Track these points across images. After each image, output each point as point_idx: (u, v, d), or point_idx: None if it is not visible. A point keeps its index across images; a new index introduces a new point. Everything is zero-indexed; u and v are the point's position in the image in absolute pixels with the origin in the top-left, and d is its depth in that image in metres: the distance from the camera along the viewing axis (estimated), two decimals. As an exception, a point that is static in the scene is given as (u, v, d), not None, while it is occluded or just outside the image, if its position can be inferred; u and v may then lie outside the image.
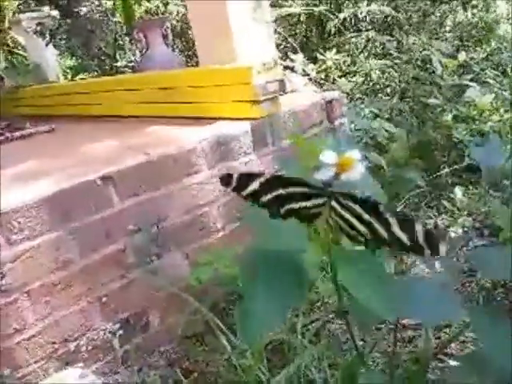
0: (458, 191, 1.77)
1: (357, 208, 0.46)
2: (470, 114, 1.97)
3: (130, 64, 3.24)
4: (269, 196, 0.51)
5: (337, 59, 1.78)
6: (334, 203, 0.49)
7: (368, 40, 2.51)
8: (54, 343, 1.03)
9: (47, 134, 1.82)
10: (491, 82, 2.14)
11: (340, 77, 1.82)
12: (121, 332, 1.11)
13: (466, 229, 1.64)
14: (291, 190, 0.50)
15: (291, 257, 0.38)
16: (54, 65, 3.33)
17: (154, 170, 1.13)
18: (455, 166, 1.81)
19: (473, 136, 2.00)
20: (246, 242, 1.27)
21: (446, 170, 1.78)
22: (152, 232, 1.13)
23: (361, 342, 1.08)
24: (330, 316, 1.22)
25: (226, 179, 0.52)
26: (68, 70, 4.01)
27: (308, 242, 0.36)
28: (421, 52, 1.94)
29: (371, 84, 2.05)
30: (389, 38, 2.05)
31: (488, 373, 0.41)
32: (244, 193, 0.51)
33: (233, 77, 1.34)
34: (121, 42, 3.55)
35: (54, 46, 3.63)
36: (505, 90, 2.16)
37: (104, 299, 1.08)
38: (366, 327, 0.45)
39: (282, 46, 2.48)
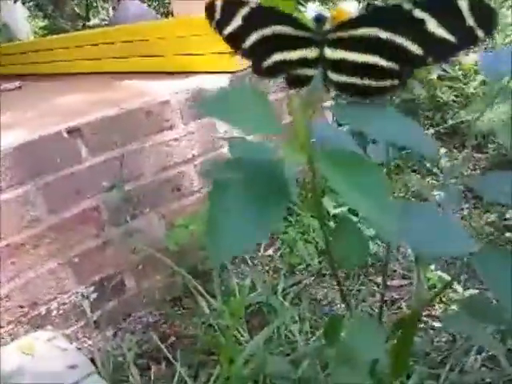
0: (443, 154, 1.74)
1: (365, 31, 0.35)
2: (454, 74, 1.93)
3: (104, 23, 3.10)
4: (252, 38, 0.40)
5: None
6: (327, 52, 0.38)
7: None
8: (22, 307, 0.97)
9: (15, 91, 1.72)
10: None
11: None
12: (94, 295, 1.06)
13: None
14: (280, 29, 0.38)
15: (268, 162, 0.32)
16: (25, 25, 3.18)
17: (125, 124, 1.06)
18: (440, 128, 1.78)
19: (456, 97, 1.97)
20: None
21: (431, 130, 1.74)
22: (126, 190, 1.07)
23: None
24: (312, 279, 1.19)
25: (210, 8, 0.41)
26: (39, 31, 3.85)
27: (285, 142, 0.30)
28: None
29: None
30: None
31: (490, 317, 0.37)
32: (226, 31, 0.41)
33: (207, 26, 1.25)
34: (93, 1, 3.40)
35: (24, 4, 3.46)
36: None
37: (76, 260, 1.03)
38: (352, 263, 0.40)
39: None
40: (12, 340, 0.94)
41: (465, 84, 1.87)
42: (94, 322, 1.06)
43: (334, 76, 0.38)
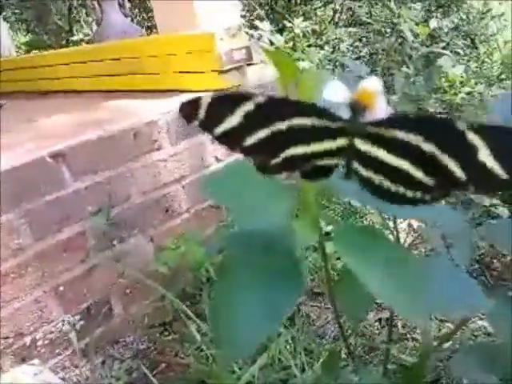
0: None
1: (407, 137, 0.31)
2: (440, 85, 1.93)
3: (87, 38, 3.07)
4: (259, 135, 0.34)
5: (306, 26, 1.70)
6: (358, 143, 0.33)
7: (335, 12, 2.43)
8: (7, 338, 0.94)
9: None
10: (461, 52, 2.10)
11: (309, 46, 1.74)
12: (81, 323, 1.03)
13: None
14: (297, 122, 0.33)
15: (279, 238, 0.29)
16: (7, 40, 3.13)
17: (111, 147, 1.04)
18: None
19: (444, 108, 1.97)
20: (214, 224, 1.20)
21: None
22: (113, 214, 1.04)
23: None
24: (304, 297, 1.17)
25: (188, 106, 0.34)
26: (22, 46, 3.80)
27: (292, 216, 0.28)
28: (390, 21, 1.88)
29: (341, 55, 1.99)
30: (359, 4, 1.98)
31: (497, 366, 0.36)
32: (218, 130, 0.34)
33: (194, 44, 1.24)
34: (76, 15, 3.37)
35: (5, 19, 3.42)
36: (475, 61, 2.14)
37: (61, 288, 1.00)
38: (356, 318, 0.38)
39: (246, 18, 2.38)
40: (-4, 374, 0.91)
41: (453, 95, 1.88)
42: (82, 350, 1.02)
43: (361, 169, 0.34)
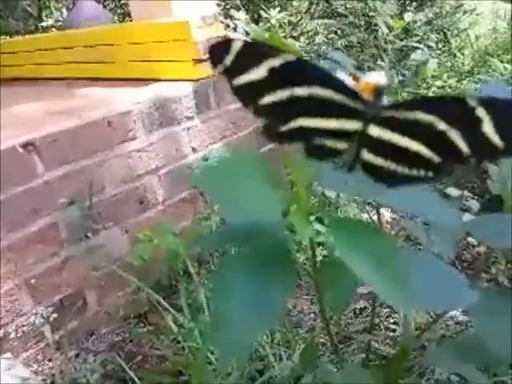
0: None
1: (424, 117, 0.31)
2: (414, 79, 1.96)
3: (57, 24, 2.99)
4: (277, 96, 0.32)
5: (282, 17, 1.69)
6: (371, 129, 0.32)
7: (311, 3, 2.43)
8: (-23, 332, 0.92)
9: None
10: (434, 46, 2.13)
11: (285, 37, 1.73)
12: (54, 316, 1.01)
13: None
14: (319, 92, 0.31)
15: (272, 233, 0.29)
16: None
17: (84, 136, 1.01)
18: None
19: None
20: (191, 216, 1.19)
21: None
22: (86, 205, 1.02)
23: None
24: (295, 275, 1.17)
25: (220, 48, 0.31)
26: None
27: (283, 209, 0.27)
28: (365, 14, 1.89)
29: (316, 46, 1.99)
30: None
31: (472, 356, 0.37)
32: (239, 81, 0.32)
33: (169, 32, 1.22)
34: (46, 1, 3.27)
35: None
36: (447, 55, 2.17)
37: (34, 281, 0.97)
38: (338, 307, 0.38)
39: (222, 7, 2.35)
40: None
41: (427, 89, 1.90)
42: (55, 343, 1.01)
43: (369, 156, 0.33)
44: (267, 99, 0.32)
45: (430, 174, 0.33)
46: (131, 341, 1.04)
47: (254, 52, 0.31)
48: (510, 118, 0.31)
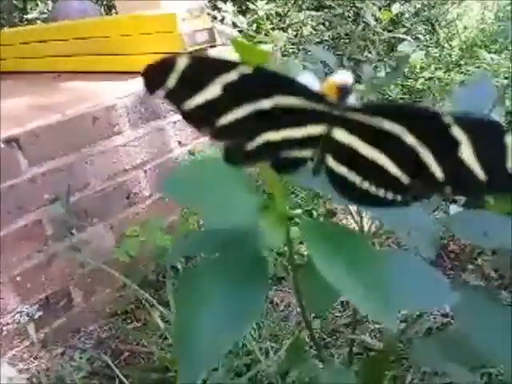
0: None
1: (391, 126, 0.27)
2: (395, 74, 1.96)
3: (42, 16, 2.95)
4: (237, 114, 0.28)
5: (269, 8, 1.68)
6: (336, 132, 0.29)
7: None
8: (-39, 331, 0.91)
9: None
10: (422, 37, 2.13)
11: (272, 29, 1.72)
12: (40, 313, 1.00)
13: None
14: (283, 101, 0.28)
15: (245, 238, 0.28)
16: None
17: (69, 131, 1.00)
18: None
19: (404, 94, 2.00)
20: (178, 210, 1.18)
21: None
22: (71, 201, 1.01)
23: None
24: (269, 282, 1.17)
25: (156, 70, 0.27)
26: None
27: (258, 214, 0.26)
28: (353, 5, 1.88)
29: (304, 39, 1.98)
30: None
31: (462, 357, 0.36)
32: (189, 104, 0.28)
33: (155, 25, 1.21)
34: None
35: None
36: (435, 47, 2.17)
37: (18, 278, 0.96)
38: (320, 310, 0.38)
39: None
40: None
41: (414, 80, 1.90)
42: (41, 341, 1.00)
43: (333, 164, 0.30)
44: (226, 119, 0.28)
45: (398, 196, 0.29)
46: (118, 337, 1.03)
47: (203, 68, 0.27)
48: (496, 146, 0.25)
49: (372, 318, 0.25)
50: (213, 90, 0.27)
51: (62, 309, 1.03)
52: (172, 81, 0.27)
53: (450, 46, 2.35)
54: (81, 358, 0.98)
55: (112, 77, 1.25)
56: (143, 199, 1.15)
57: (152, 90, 0.28)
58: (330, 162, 0.30)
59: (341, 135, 0.29)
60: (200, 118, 0.29)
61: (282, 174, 0.31)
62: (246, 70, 0.27)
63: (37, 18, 3.01)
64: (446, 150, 0.27)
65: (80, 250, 1.03)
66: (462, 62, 2.18)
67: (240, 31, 1.64)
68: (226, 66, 0.27)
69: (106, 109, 1.05)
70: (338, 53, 1.91)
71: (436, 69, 2.09)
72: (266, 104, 0.28)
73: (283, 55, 1.78)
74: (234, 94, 0.27)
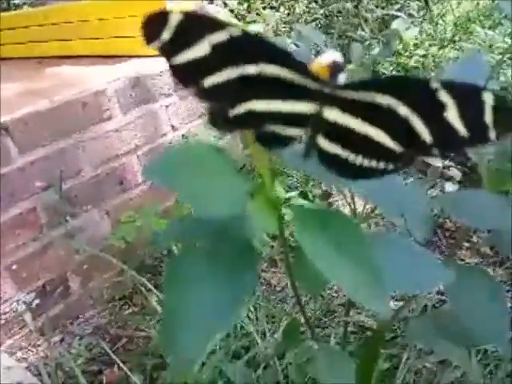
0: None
1: (385, 100, 0.28)
2: (395, 48, 1.94)
3: (30, 1, 2.89)
4: (223, 75, 0.28)
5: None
6: (327, 112, 0.29)
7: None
8: (-42, 320, 0.91)
9: None
10: (415, 14, 2.10)
11: (264, 8, 1.69)
12: (37, 301, 1.00)
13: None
14: (270, 70, 0.28)
15: (234, 226, 0.28)
16: None
17: (59, 118, 0.99)
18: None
19: (398, 71, 1.98)
20: (173, 195, 1.18)
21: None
22: (64, 189, 1.00)
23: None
24: (265, 265, 1.18)
25: (155, 21, 0.27)
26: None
27: (248, 200, 0.26)
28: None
29: (296, 18, 1.95)
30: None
31: (455, 336, 0.36)
32: (178, 59, 0.28)
33: (143, 7, 1.18)
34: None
35: None
36: (429, 23, 2.14)
37: (15, 267, 0.96)
38: (313, 291, 0.38)
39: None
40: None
41: (408, 58, 1.88)
42: (39, 328, 1.00)
43: (324, 143, 0.30)
44: (211, 80, 0.28)
45: (390, 165, 0.30)
46: (116, 323, 1.04)
47: (195, 26, 0.27)
48: (475, 105, 0.27)
49: (363, 305, 0.24)
50: (202, 48, 0.27)
51: (60, 296, 1.03)
52: (165, 35, 0.27)
53: (444, 21, 2.33)
54: (79, 344, 0.99)
55: (99, 61, 1.23)
56: (137, 185, 1.14)
57: (149, 40, 0.28)
58: (321, 141, 0.30)
59: (333, 114, 0.29)
60: (187, 75, 0.29)
61: (268, 149, 0.31)
62: (235, 32, 0.27)
63: (24, 3, 2.95)
64: (433, 113, 0.28)
65: (75, 237, 1.02)
66: (456, 38, 2.16)
67: (231, 11, 1.62)
68: (217, 25, 0.27)
69: (95, 94, 1.04)
70: (331, 31, 1.88)
71: (430, 45, 2.07)
72: (251, 70, 0.28)
73: (275, 34, 1.76)
74: (222, 55, 0.27)
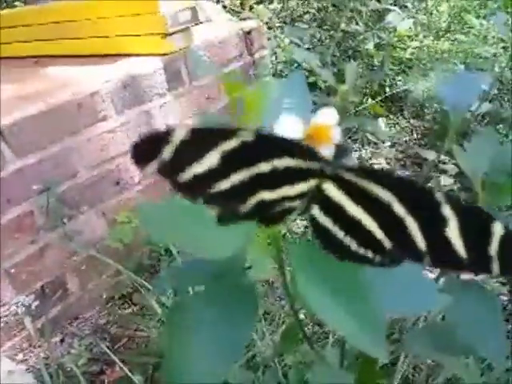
0: (381, 122, 1.76)
1: (383, 194, 0.27)
2: (390, 41, 1.93)
3: (23, -2, 2.86)
4: (235, 179, 0.27)
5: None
6: (326, 186, 0.29)
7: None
8: (-42, 324, 0.91)
9: None
10: (410, 5, 2.10)
11: (257, 3, 1.68)
12: (36, 303, 1.01)
13: (388, 160, 1.65)
14: (281, 163, 0.27)
15: (234, 269, 0.27)
16: None
17: (54, 120, 0.98)
18: (378, 98, 1.79)
19: (393, 64, 1.98)
20: (169, 195, 1.18)
21: (370, 101, 1.74)
22: (60, 191, 1.00)
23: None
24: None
25: (147, 144, 0.25)
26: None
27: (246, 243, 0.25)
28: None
29: (289, 11, 1.94)
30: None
31: (450, 348, 0.37)
32: (185, 176, 0.26)
33: (136, 6, 1.18)
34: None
35: None
36: (424, 14, 2.14)
37: (13, 270, 0.96)
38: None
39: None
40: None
41: (403, 50, 1.88)
42: (39, 330, 1.01)
43: (320, 216, 0.30)
44: (221, 186, 0.27)
45: (377, 257, 0.29)
46: (116, 323, 1.04)
47: (201, 139, 0.26)
48: (482, 231, 0.26)
49: (362, 351, 0.24)
50: (211, 159, 0.26)
51: (59, 297, 1.03)
52: (167, 153, 0.25)
53: (438, 11, 2.32)
54: (80, 345, 0.99)
55: (93, 60, 1.23)
56: (133, 185, 1.14)
57: (145, 161, 0.26)
58: (316, 212, 0.30)
59: (330, 189, 0.29)
60: (196, 188, 0.27)
61: (269, 226, 0.31)
62: (247, 135, 0.26)
63: (17, 0, 2.93)
64: (432, 224, 0.27)
65: (73, 239, 1.03)
66: (450, 29, 2.16)
67: (224, 7, 1.61)
68: (227, 133, 0.26)
69: (90, 95, 1.03)
70: (325, 26, 1.88)
71: (425, 37, 2.07)
72: (264, 167, 0.27)
73: (269, 28, 1.75)
74: (234, 162, 0.27)
